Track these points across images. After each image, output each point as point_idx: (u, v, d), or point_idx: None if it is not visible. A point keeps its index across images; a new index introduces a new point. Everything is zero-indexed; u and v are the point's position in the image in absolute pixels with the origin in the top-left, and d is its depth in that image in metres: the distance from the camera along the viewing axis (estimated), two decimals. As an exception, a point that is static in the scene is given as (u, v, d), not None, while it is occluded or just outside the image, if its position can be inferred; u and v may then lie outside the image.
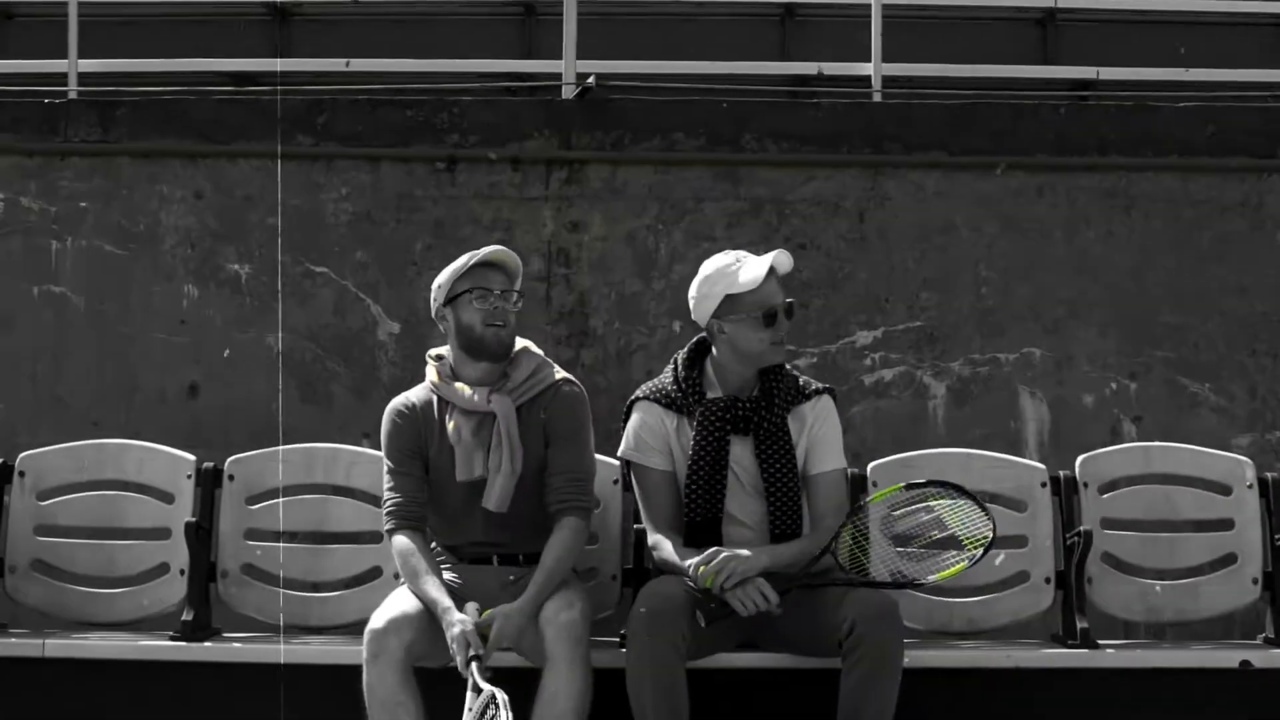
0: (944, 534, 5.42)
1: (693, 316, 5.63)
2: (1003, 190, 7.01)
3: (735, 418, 5.55)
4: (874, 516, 5.50)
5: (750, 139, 7.05)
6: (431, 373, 5.64)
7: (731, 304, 5.51)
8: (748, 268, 5.52)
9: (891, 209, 7.02)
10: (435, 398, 5.62)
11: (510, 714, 4.79)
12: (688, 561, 5.32)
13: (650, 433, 5.63)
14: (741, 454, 5.57)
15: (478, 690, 4.97)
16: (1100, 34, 9.38)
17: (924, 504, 5.47)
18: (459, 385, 5.55)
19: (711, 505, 5.53)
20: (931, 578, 5.38)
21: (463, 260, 5.54)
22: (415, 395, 5.67)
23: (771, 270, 5.53)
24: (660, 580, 5.42)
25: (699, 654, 5.36)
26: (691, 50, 8.86)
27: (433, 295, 5.61)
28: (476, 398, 5.50)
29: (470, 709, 4.94)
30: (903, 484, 5.51)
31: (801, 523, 5.55)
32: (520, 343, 5.65)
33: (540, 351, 5.68)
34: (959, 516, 5.42)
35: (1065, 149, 7.04)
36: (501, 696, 4.85)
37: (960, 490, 5.44)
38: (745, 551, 5.32)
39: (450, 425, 5.54)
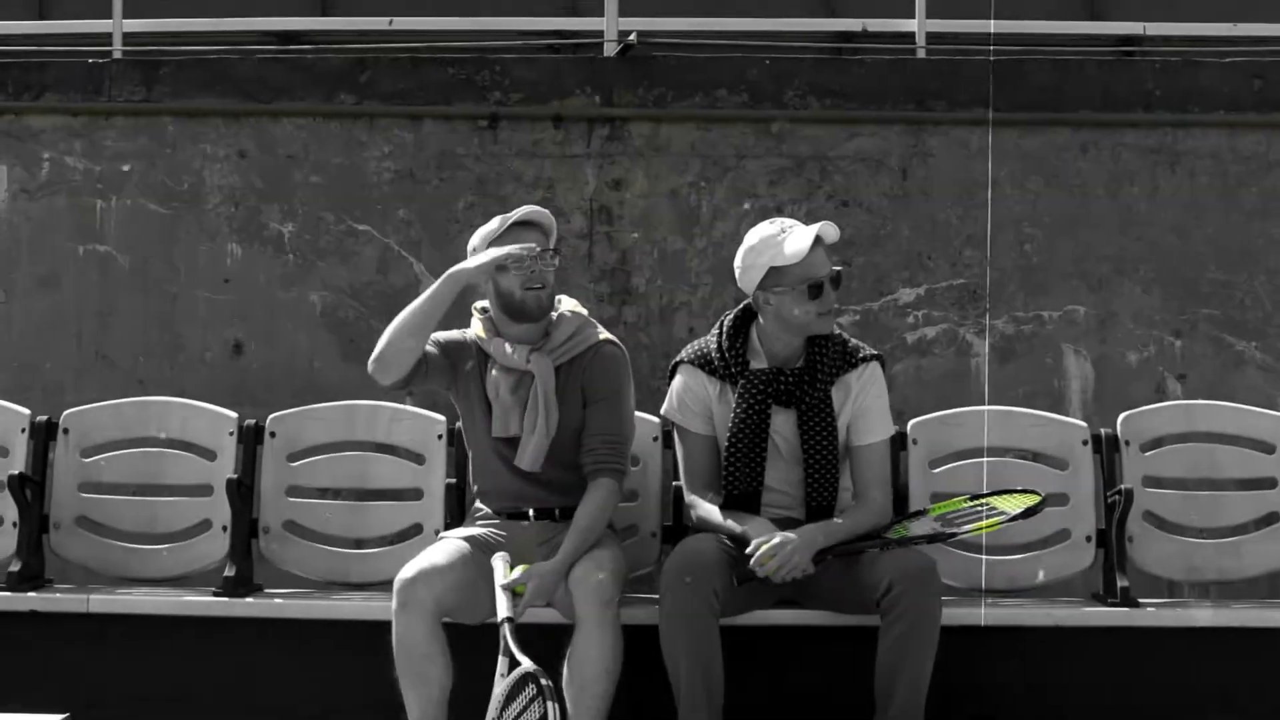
0: (992, 513, 5.42)
1: (738, 285, 5.59)
2: (1047, 147, 6.96)
3: (778, 390, 5.51)
4: (931, 516, 5.54)
5: (793, 96, 7.02)
6: (477, 326, 5.64)
7: (776, 276, 5.44)
8: (792, 239, 5.43)
9: (935, 166, 6.98)
10: (478, 348, 5.63)
11: (556, 705, 4.76)
12: (753, 545, 5.27)
13: (693, 397, 5.61)
14: (783, 424, 5.53)
15: (510, 656, 4.93)
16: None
17: (985, 504, 5.49)
18: (501, 342, 5.55)
19: (751, 479, 5.50)
20: (967, 528, 5.37)
21: (495, 224, 5.53)
22: (464, 334, 5.69)
23: (818, 239, 5.45)
24: (694, 538, 5.42)
25: (736, 611, 5.38)
26: (734, 7, 8.83)
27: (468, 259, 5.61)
28: (516, 356, 5.50)
29: (502, 674, 4.90)
30: (967, 495, 5.56)
31: (836, 493, 5.53)
32: (567, 303, 5.64)
33: (584, 311, 5.67)
34: (1011, 501, 5.42)
35: (1110, 105, 6.98)
36: (546, 681, 4.81)
37: (1025, 490, 5.46)
38: (797, 535, 5.29)
39: (489, 379, 5.55)
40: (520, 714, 4.77)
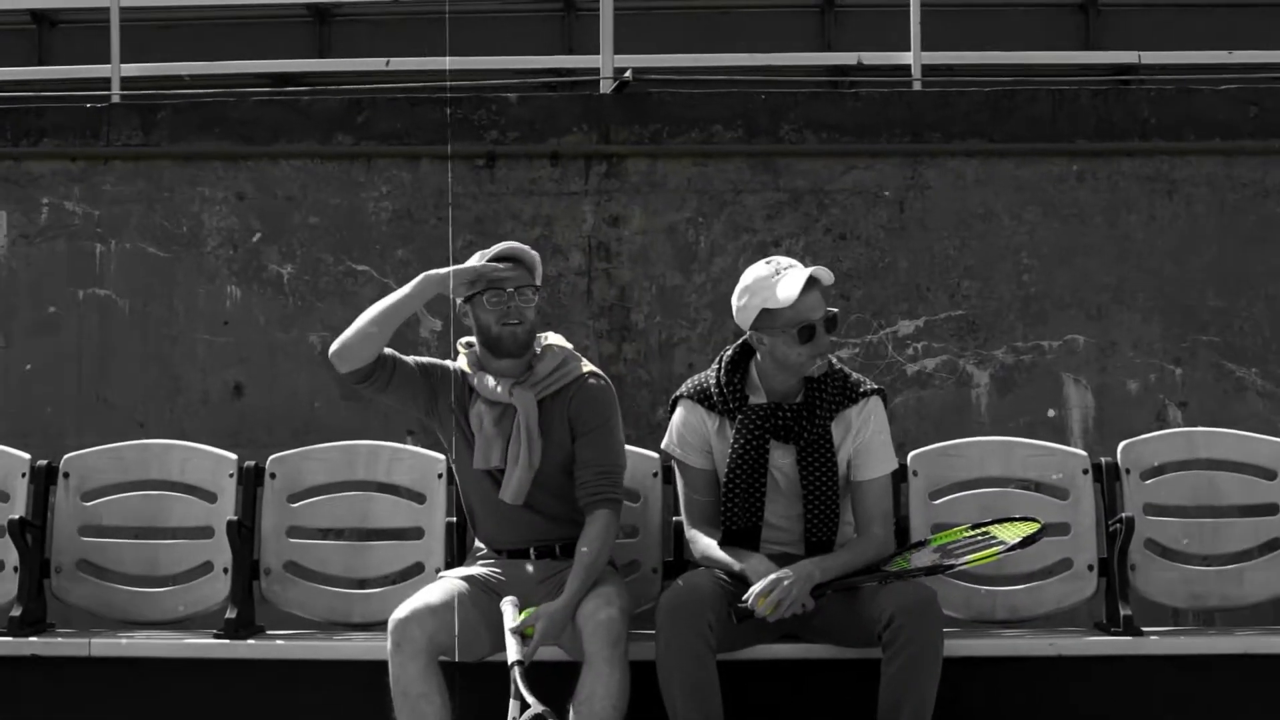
0: (991, 541, 5.41)
1: (735, 321, 5.58)
2: (1044, 176, 6.96)
3: (776, 426, 5.50)
4: (931, 547, 5.51)
5: (789, 130, 7.03)
6: (463, 361, 5.65)
7: (769, 318, 5.42)
8: (785, 283, 5.39)
9: (932, 197, 6.98)
10: (464, 381, 5.63)
11: None
12: (748, 593, 5.25)
13: (692, 432, 5.60)
14: (782, 460, 5.52)
15: (521, 699, 4.90)
16: (1142, 18, 9.33)
17: (984, 533, 5.47)
18: (485, 375, 5.56)
19: (750, 514, 5.49)
20: (966, 559, 5.35)
21: (475, 260, 5.53)
22: (450, 364, 5.69)
23: (815, 281, 5.43)
24: (692, 573, 5.42)
25: (738, 645, 5.37)
26: (730, 42, 8.86)
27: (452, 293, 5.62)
28: (500, 389, 5.51)
29: (514, 717, 4.87)
30: (968, 524, 5.55)
31: (837, 528, 5.52)
32: (552, 337, 5.65)
33: (569, 345, 5.67)
34: (1011, 530, 5.41)
35: (1106, 134, 6.98)
36: None
37: (1025, 519, 5.45)
38: (792, 570, 5.27)
39: (473, 412, 5.55)
40: None
